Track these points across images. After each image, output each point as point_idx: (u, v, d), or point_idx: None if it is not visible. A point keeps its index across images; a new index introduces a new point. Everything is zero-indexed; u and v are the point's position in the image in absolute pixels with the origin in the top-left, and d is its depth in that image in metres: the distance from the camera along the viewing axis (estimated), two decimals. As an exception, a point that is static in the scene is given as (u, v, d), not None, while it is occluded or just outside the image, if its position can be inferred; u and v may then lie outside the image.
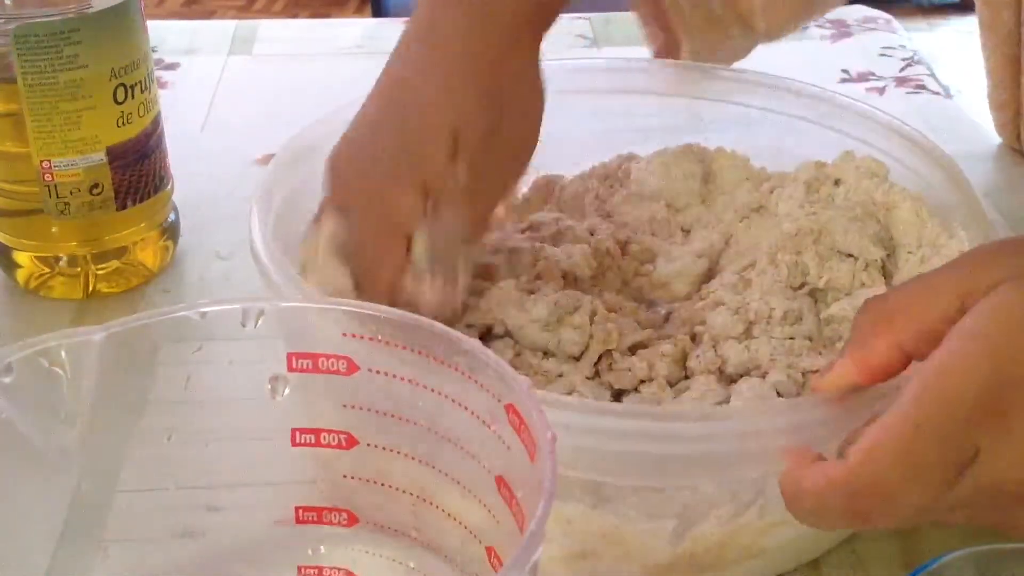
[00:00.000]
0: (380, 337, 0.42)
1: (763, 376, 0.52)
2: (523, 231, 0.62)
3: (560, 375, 0.53)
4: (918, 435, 0.39)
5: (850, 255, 0.57)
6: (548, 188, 0.67)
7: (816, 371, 0.51)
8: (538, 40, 0.56)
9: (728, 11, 0.68)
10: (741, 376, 0.53)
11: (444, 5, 0.55)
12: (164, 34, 0.98)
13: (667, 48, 0.73)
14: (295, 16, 3.01)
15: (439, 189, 0.52)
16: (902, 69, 0.95)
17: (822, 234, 0.58)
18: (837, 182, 0.62)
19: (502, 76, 0.54)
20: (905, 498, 0.40)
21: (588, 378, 0.53)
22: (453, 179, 0.52)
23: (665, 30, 0.73)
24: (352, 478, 0.45)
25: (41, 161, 0.63)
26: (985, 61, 0.82)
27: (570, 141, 0.65)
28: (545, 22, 0.56)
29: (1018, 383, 0.38)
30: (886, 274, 0.58)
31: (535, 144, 0.56)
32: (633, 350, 0.55)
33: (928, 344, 0.41)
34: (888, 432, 0.39)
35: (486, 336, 0.55)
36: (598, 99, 0.62)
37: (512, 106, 0.55)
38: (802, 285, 0.57)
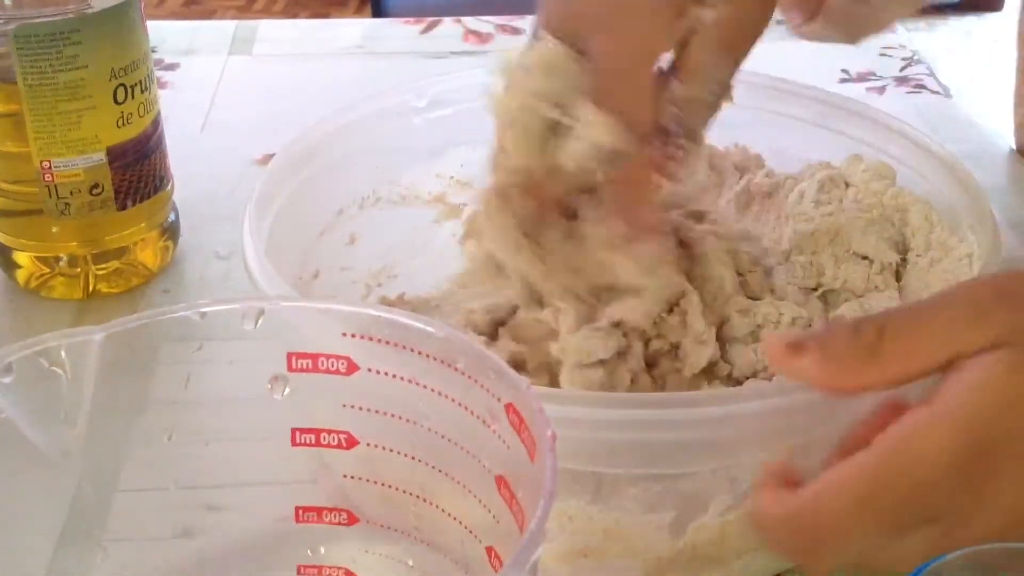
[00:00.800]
0: (380, 337, 0.42)
1: (770, 378, 0.52)
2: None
3: None
4: (876, 492, 0.39)
5: (865, 257, 0.57)
6: None
7: None
8: None
9: None
10: (748, 378, 0.53)
11: None
12: (164, 34, 0.98)
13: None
14: (295, 16, 3.01)
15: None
16: (902, 69, 0.95)
17: (839, 235, 0.57)
18: (847, 185, 0.62)
19: None
20: (847, 546, 0.40)
21: None
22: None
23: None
24: (352, 478, 0.45)
25: (41, 161, 0.63)
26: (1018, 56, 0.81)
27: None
28: None
29: (987, 457, 0.38)
30: (897, 277, 0.58)
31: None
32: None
33: (916, 377, 0.40)
34: (848, 477, 0.39)
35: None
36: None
37: None
38: (817, 286, 0.57)
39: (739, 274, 0.56)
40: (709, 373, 0.54)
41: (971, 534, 0.39)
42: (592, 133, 0.48)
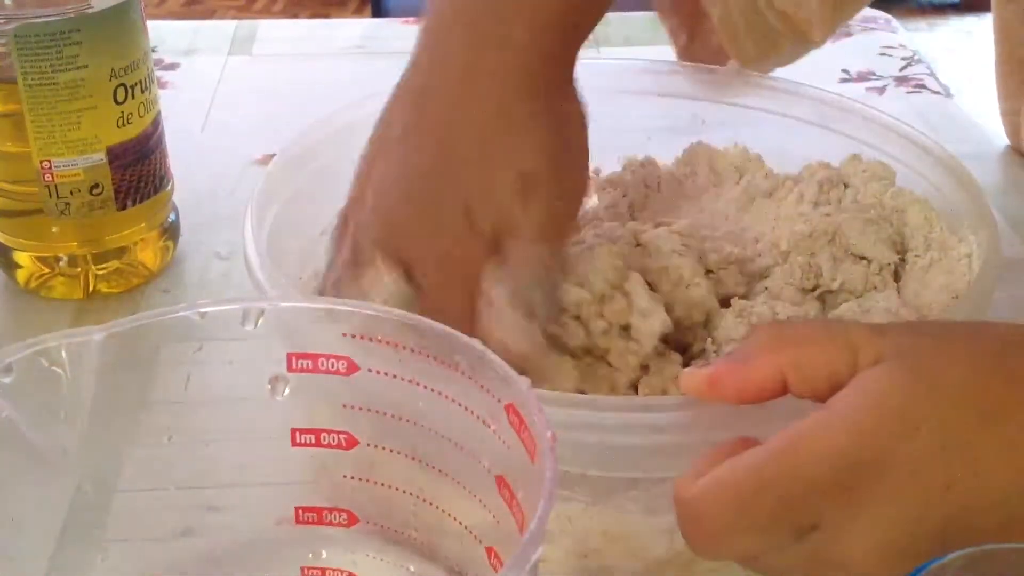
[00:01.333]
0: (380, 337, 0.42)
1: None
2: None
3: None
4: (759, 491, 0.39)
5: (863, 258, 0.57)
6: None
7: None
8: (572, 52, 0.55)
9: (785, 25, 0.67)
10: None
11: (463, 30, 0.53)
12: (164, 34, 0.98)
13: (690, 51, 0.72)
14: (295, 16, 3.02)
15: (511, 236, 0.51)
16: (902, 69, 0.95)
17: (837, 235, 0.57)
18: (846, 185, 0.62)
19: (553, 102, 0.53)
20: (729, 542, 0.40)
21: None
22: (527, 224, 0.51)
23: (689, 31, 0.72)
24: (352, 478, 0.45)
25: (41, 161, 0.63)
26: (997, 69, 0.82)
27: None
28: (577, 32, 0.55)
29: (872, 467, 0.39)
30: (896, 277, 0.58)
31: (588, 159, 0.55)
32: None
33: (805, 383, 0.41)
34: (735, 475, 0.40)
35: None
36: (598, 101, 0.61)
37: (566, 128, 0.54)
38: (815, 287, 0.57)
39: (709, 271, 0.57)
40: None
41: (844, 547, 0.39)
42: None
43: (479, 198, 0.51)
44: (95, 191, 0.65)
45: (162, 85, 0.90)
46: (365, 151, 0.55)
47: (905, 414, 0.39)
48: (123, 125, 0.65)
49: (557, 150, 0.53)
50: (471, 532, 0.42)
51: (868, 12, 1.04)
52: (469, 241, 0.51)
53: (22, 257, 0.67)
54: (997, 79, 0.84)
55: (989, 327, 0.44)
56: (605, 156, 0.68)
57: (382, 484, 0.44)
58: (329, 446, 0.44)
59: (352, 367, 0.42)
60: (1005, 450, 0.39)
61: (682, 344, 0.55)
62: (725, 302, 0.56)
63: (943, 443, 0.39)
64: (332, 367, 0.43)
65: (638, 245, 0.57)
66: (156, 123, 0.67)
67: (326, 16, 2.93)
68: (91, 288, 0.67)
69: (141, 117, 0.66)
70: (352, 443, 0.44)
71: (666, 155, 0.68)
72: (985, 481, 0.39)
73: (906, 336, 0.41)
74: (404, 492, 0.44)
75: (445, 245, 0.51)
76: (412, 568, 0.45)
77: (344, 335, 0.42)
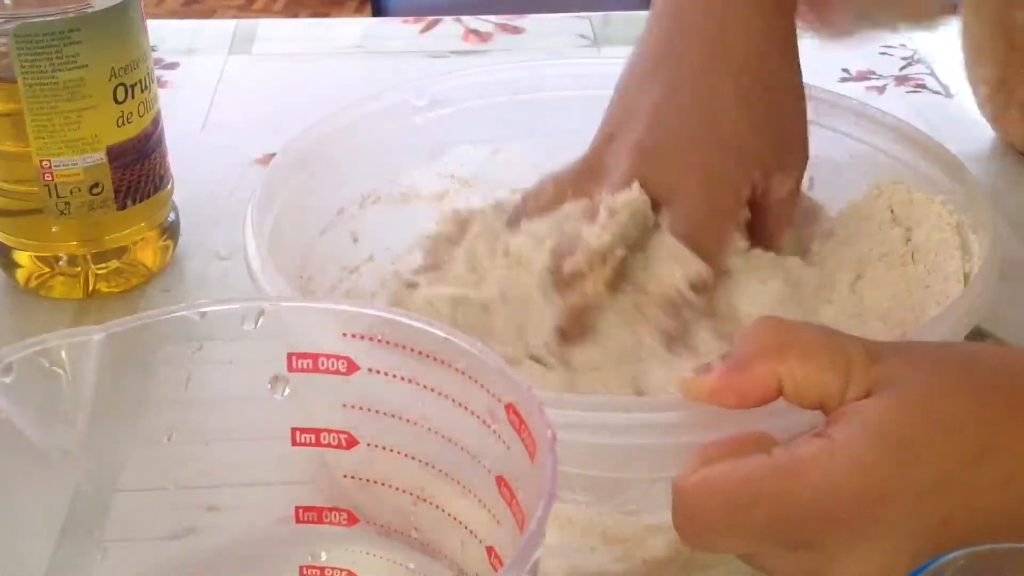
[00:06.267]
0: (380, 337, 0.42)
1: None
2: None
3: None
4: (753, 503, 0.39)
5: None
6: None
7: None
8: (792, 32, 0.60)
9: None
10: None
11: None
12: (164, 34, 0.98)
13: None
14: (295, 16, 3.01)
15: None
16: (902, 68, 0.95)
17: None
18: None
19: (777, 91, 0.59)
20: (717, 540, 0.40)
21: None
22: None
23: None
24: (352, 478, 0.45)
25: (41, 161, 0.63)
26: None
27: (571, 144, 0.64)
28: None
29: (871, 499, 0.39)
30: None
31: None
32: None
33: (796, 394, 0.41)
34: (735, 479, 0.40)
35: None
36: (597, 103, 0.62)
37: (787, 116, 0.59)
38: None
39: None
40: None
41: (837, 569, 0.39)
42: (683, 264, 0.56)
43: (727, 178, 0.57)
44: (95, 191, 0.65)
45: (162, 85, 0.90)
46: (621, 83, 0.61)
47: (905, 448, 0.39)
48: (123, 125, 0.65)
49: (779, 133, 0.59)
50: (471, 532, 0.42)
51: (868, 12, 1.04)
52: (731, 181, 0.57)
53: (22, 257, 0.67)
54: (966, 44, 0.83)
55: (984, 353, 0.44)
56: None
57: (382, 484, 0.44)
58: (329, 446, 0.44)
59: (352, 367, 0.42)
60: (1001, 484, 0.39)
61: None
62: None
63: (941, 477, 0.39)
64: (332, 367, 0.42)
65: None
66: (156, 123, 0.67)
67: (326, 16, 2.93)
68: (91, 288, 0.67)
69: (141, 117, 0.66)
70: (352, 443, 0.44)
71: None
72: (982, 516, 0.39)
73: (901, 363, 0.41)
74: (404, 492, 0.44)
75: (710, 176, 0.57)
76: (412, 566, 0.45)
77: (344, 335, 0.42)
